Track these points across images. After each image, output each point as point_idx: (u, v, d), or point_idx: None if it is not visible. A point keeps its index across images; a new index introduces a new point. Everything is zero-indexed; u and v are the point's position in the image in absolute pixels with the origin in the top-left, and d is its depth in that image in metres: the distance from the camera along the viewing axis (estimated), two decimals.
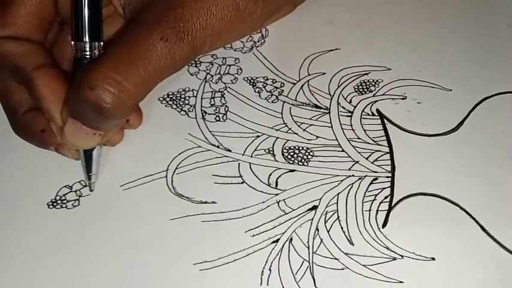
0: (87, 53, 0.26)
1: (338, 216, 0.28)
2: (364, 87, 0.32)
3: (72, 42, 0.26)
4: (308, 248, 0.27)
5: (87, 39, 0.26)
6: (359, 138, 0.30)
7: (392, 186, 0.28)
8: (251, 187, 0.29)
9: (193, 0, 0.25)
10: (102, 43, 0.26)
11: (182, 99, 0.32)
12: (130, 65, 0.24)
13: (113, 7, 0.28)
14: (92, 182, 0.28)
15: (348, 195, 0.28)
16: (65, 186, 0.29)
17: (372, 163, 0.29)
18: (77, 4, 0.26)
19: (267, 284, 0.26)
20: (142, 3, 0.26)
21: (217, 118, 0.31)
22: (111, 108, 0.23)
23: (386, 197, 0.28)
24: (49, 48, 0.28)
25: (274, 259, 0.26)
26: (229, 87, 0.32)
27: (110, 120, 0.25)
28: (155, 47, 0.24)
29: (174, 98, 0.32)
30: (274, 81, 0.32)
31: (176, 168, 0.29)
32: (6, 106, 0.28)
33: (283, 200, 0.28)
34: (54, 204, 0.28)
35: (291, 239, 0.27)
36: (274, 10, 0.30)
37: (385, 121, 0.31)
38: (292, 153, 0.30)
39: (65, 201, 0.28)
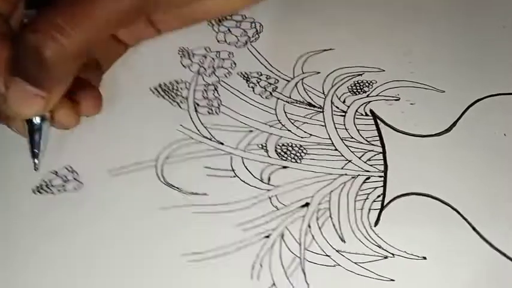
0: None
1: (330, 214, 0.27)
2: (358, 87, 0.32)
3: (24, 11, 0.25)
4: (300, 244, 0.26)
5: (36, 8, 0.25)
6: (352, 137, 0.30)
7: (384, 186, 0.28)
8: (243, 181, 0.28)
9: None
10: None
11: (174, 91, 0.31)
12: (75, 10, 0.23)
13: None
14: (36, 160, 0.26)
15: (340, 194, 0.28)
16: (51, 172, 0.28)
17: (365, 162, 0.29)
18: None
19: (258, 279, 0.25)
20: None
21: (210, 111, 0.30)
22: (53, 53, 0.23)
23: (378, 196, 0.28)
24: (9, 12, 0.26)
25: (265, 254, 0.26)
26: (222, 81, 0.32)
27: (52, 70, 0.23)
28: None
29: (166, 89, 0.31)
30: (268, 77, 0.32)
31: (166, 158, 0.28)
32: None
33: (276, 195, 0.28)
34: (39, 190, 0.27)
35: (283, 234, 0.26)
36: None
37: (378, 121, 0.31)
38: (285, 150, 0.29)
39: (50, 187, 0.27)
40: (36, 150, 0.26)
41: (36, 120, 0.25)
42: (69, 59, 0.24)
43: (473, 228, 0.27)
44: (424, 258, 0.26)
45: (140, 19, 0.27)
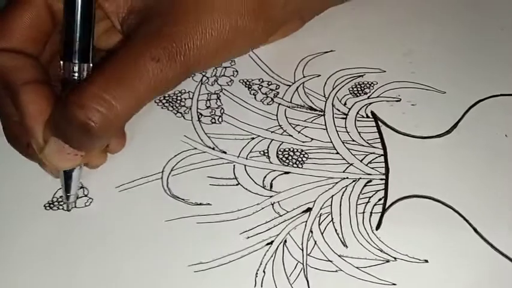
0: (76, 74, 0.25)
1: (332, 219, 0.27)
2: (359, 89, 0.32)
3: (61, 62, 0.25)
4: (302, 250, 0.27)
5: (76, 60, 0.25)
6: (353, 140, 0.30)
7: (386, 189, 0.28)
8: (246, 189, 0.29)
9: (188, 19, 0.24)
10: (91, 65, 0.25)
11: (178, 101, 0.32)
12: (120, 84, 0.23)
13: (111, 22, 0.27)
14: (69, 202, 0.28)
15: (342, 198, 0.28)
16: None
17: (366, 165, 0.29)
18: (68, 24, 0.25)
19: (261, 286, 0.26)
20: (139, 20, 0.25)
21: (213, 120, 0.31)
22: (98, 127, 0.23)
23: (380, 200, 0.28)
24: (49, 59, 0.27)
25: (268, 261, 0.26)
26: (224, 89, 0.32)
27: (95, 141, 0.24)
28: (146, 68, 0.23)
29: (170, 100, 0.32)
30: (269, 83, 0.32)
31: (172, 170, 0.29)
32: (1, 115, 0.27)
33: (278, 202, 0.28)
34: (51, 205, 0.28)
35: (285, 241, 0.27)
36: (277, 27, 0.29)
37: (380, 123, 0.30)
38: (287, 155, 0.30)
39: (61, 203, 0.28)
40: (69, 194, 0.27)
41: (73, 171, 0.27)
42: (114, 130, 0.24)
43: (475, 231, 0.27)
44: (426, 261, 0.26)
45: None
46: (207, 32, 0.25)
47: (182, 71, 0.24)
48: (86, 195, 0.29)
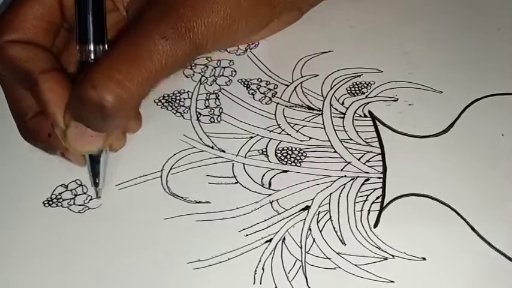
0: (92, 56, 0.25)
1: (330, 216, 0.27)
2: (357, 89, 0.31)
3: (77, 46, 0.25)
4: (301, 247, 0.26)
5: (91, 42, 0.25)
6: (351, 139, 0.29)
7: (384, 187, 0.28)
8: (245, 187, 0.28)
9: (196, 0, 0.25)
10: (106, 46, 0.26)
11: (177, 101, 0.31)
12: (132, 64, 0.23)
13: (115, 6, 0.27)
14: (99, 188, 0.27)
15: (340, 196, 0.28)
16: (61, 185, 0.28)
17: (364, 164, 0.29)
18: (80, 8, 0.25)
19: (260, 283, 0.25)
20: (145, 3, 0.25)
21: (212, 119, 0.30)
22: (113, 107, 0.23)
23: (378, 198, 0.27)
24: (58, 53, 0.27)
25: (267, 258, 0.26)
26: (223, 89, 0.31)
27: (112, 120, 0.24)
28: (156, 46, 0.23)
29: (169, 99, 0.31)
30: (268, 83, 0.32)
31: (171, 169, 0.29)
32: (14, 111, 0.27)
33: (277, 200, 0.28)
34: (50, 202, 0.28)
35: (284, 238, 0.26)
36: (277, 13, 0.29)
37: (377, 122, 0.30)
38: (285, 154, 0.29)
39: (60, 200, 0.28)
40: (97, 180, 0.27)
41: (99, 155, 0.27)
42: (129, 109, 0.24)
43: (472, 228, 0.26)
44: (424, 259, 0.26)
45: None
46: (213, 11, 0.25)
47: (191, 49, 0.25)
48: (85, 193, 0.28)
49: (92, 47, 0.25)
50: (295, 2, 0.30)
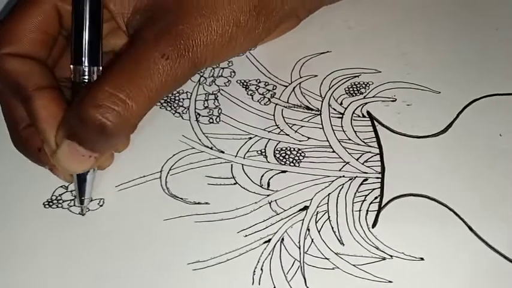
0: (86, 77, 0.25)
1: (329, 217, 0.27)
2: (355, 89, 0.31)
3: (71, 66, 0.25)
4: (299, 248, 0.26)
5: (86, 63, 0.25)
6: (349, 139, 0.29)
7: (382, 187, 0.28)
8: (244, 188, 0.28)
9: (194, 17, 0.24)
10: (101, 68, 0.25)
11: (176, 101, 0.31)
12: (134, 83, 0.23)
13: (116, 23, 0.27)
14: (84, 206, 0.27)
15: (338, 196, 0.27)
16: (61, 187, 0.28)
17: (362, 164, 0.28)
18: (77, 28, 0.25)
19: (259, 284, 0.25)
20: (145, 20, 0.25)
21: (211, 120, 0.30)
22: (115, 126, 0.23)
23: (376, 198, 0.27)
24: (54, 62, 0.27)
25: (266, 259, 0.26)
26: (222, 90, 0.31)
27: (112, 140, 0.24)
28: (157, 65, 0.23)
29: (168, 100, 0.31)
30: (266, 83, 0.31)
31: (170, 170, 0.28)
32: (8, 120, 0.27)
33: (275, 200, 0.27)
34: (50, 204, 0.28)
35: (283, 239, 0.26)
36: (276, 24, 0.29)
37: (375, 123, 0.30)
38: (284, 154, 0.29)
39: (60, 201, 0.28)
40: (83, 198, 0.27)
41: (87, 174, 0.26)
42: (129, 128, 0.24)
43: (470, 228, 0.26)
44: (422, 259, 0.25)
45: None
46: (212, 29, 0.25)
47: (190, 67, 0.24)
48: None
49: (86, 70, 0.25)
50: (293, 11, 0.30)
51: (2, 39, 0.25)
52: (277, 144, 0.29)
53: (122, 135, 0.24)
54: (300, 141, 0.29)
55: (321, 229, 0.26)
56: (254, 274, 0.25)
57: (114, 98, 0.22)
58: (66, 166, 0.25)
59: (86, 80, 0.25)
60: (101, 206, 0.28)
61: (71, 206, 0.28)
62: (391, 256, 0.26)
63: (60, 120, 0.24)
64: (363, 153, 0.29)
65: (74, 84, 0.25)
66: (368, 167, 0.28)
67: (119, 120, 0.23)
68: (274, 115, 0.30)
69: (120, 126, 0.23)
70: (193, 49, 0.24)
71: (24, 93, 0.24)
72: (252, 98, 0.31)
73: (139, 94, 0.23)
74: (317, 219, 0.27)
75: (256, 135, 0.30)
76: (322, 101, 0.31)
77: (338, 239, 0.26)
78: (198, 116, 0.30)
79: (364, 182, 0.28)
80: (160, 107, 0.31)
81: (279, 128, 0.30)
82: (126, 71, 0.23)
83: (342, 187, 0.28)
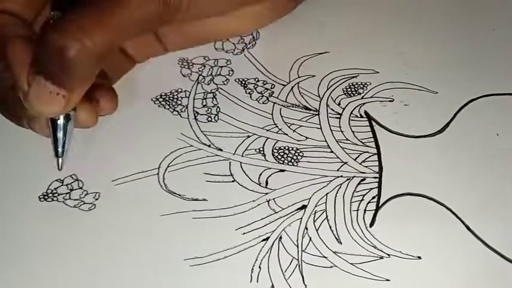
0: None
1: (327, 216, 0.27)
2: (353, 89, 0.31)
3: (51, 13, 0.24)
4: (297, 246, 0.26)
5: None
6: (347, 139, 0.29)
7: (379, 187, 0.27)
8: (242, 186, 0.28)
9: None
10: None
11: (175, 100, 0.31)
12: (99, 13, 0.22)
13: None
14: (60, 159, 0.25)
15: (336, 195, 0.27)
16: (57, 180, 0.28)
17: (360, 164, 0.28)
18: None
19: (257, 281, 0.25)
20: None
21: (209, 118, 0.30)
22: (75, 54, 0.22)
23: (373, 197, 0.27)
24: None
25: (264, 257, 0.25)
26: (220, 88, 0.31)
27: (73, 70, 0.23)
28: None
29: (166, 98, 0.31)
30: (265, 82, 0.31)
31: (168, 166, 0.28)
32: None
33: (273, 199, 0.27)
34: (46, 197, 0.27)
35: (281, 237, 0.26)
36: None
37: (373, 123, 0.30)
38: (282, 153, 0.29)
39: (56, 195, 0.27)
40: (59, 149, 0.25)
41: (60, 119, 0.25)
42: (91, 60, 0.23)
43: (468, 228, 0.26)
44: (419, 258, 0.25)
45: (158, 27, 0.26)
46: None
47: (163, 8, 0.24)
48: (81, 188, 0.27)
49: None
50: None
51: None
52: (275, 143, 0.29)
53: (83, 67, 0.23)
54: (298, 140, 0.29)
55: (319, 228, 0.26)
56: (252, 272, 0.25)
57: (76, 26, 0.22)
58: (36, 105, 0.24)
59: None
60: (96, 199, 0.27)
61: (67, 200, 0.27)
62: (389, 255, 0.25)
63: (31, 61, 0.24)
64: (361, 153, 0.29)
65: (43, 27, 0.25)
66: (366, 166, 0.28)
67: (78, 47, 0.22)
68: (272, 114, 0.30)
69: (79, 54, 0.22)
70: None
71: (2, 42, 0.24)
72: (250, 97, 0.31)
73: (106, 25, 0.22)
74: (315, 218, 0.27)
75: (254, 134, 0.29)
76: (320, 101, 0.31)
77: (336, 238, 0.26)
78: (196, 115, 0.30)
79: (361, 182, 0.28)
80: (158, 106, 0.30)
81: (277, 127, 0.30)
82: (94, 2, 0.23)
83: (340, 187, 0.28)
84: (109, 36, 0.23)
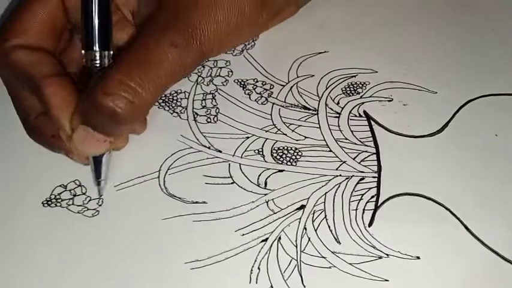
0: (97, 61, 0.25)
1: (325, 216, 0.27)
2: (352, 89, 0.31)
3: (83, 52, 0.25)
4: (296, 246, 0.26)
5: (97, 48, 0.25)
6: (346, 139, 0.29)
7: (378, 186, 0.27)
8: (241, 187, 0.28)
9: (201, 7, 0.25)
10: (111, 52, 0.26)
11: (174, 101, 0.31)
12: (144, 71, 0.23)
13: (121, 13, 0.27)
14: (101, 187, 0.27)
15: (335, 195, 0.27)
16: (60, 186, 0.28)
17: (359, 163, 0.28)
18: (87, 14, 0.25)
19: (256, 283, 0.25)
20: (151, 9, 0.26)
21: (209, 120, 0.30)
22: (126, 113, 0.23)
23: (372, 197, 0.27)
24: (59, 54, 0.27)
25: (263, 258, 0.26)
26: (220, 89, 0.31)
27: (123, 126, 0.24)
28: (166, 53, 0.24)
29: (166, 100, 0.31)
30: (264, 83, 0.31)
31: (168, 169, 0.28)
32: (19, 110, 0.27)
33: (272, 199, 0.27)
34: (49, 203, 0.27)
35: (280, 238, 0.26)
36: (276, 13, 0.30)
37: (372, 122, 0.30)
38: (281, 154, 0.29)
39: (59, 200, 0.27)
40: (102, 181, 0.27)
41: (103, 156, 0.26)
42: (140, 115, 0.25)
43: (466, 228, 0.26)
44: (418, 257, 0.25)
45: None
46: (218, 18, 0.25)
47: (198, 55, 0.25)
48: (84, 194, 0.28)
49: (97, 54, 0.25)
50: None
51: (10, 33, 0.25)
52: (274, 143, 0.29)
53: (132, 121, 0.25)
54: (297, 140, 0.29)
55: (317, 228, 0.26)
56: (251, 273, 0.25)
57: (124, 86, 0.23)
58: (82, 150, 0.25)
59: (97, 65, 0.25)
60: (100, 205, 0.27)
61: (70, 205, 0.27)
62: (388, 255, 0.25)
63: (74, 106, 0.25)
64: (360, 153, 0.29)
65: (85, 70, 0.25)
66: (364, 166, 0.28)
67: (129, 107, 0.23)
68: (271, 114, 0.30)
69: (131, 112, 0.23)
70: (201, 38, 0.25)
71: (35, 83, 0.25)
72: (250, 98, 0.31)
73: (149, 82, 0.23)
74: (314, 218, 0.27)
75: (253, 135, 0.29)
76: (319, 101, 0.30)
77: (335, 238, 0.26)
78: (196, 116, 0.30)
79: (360, 181, 0.28)
80: (158, 107, 0.30)
81: (276, 127, 0.30)
82: (136, 59, 0.24)
83: (339, 186, 0.28)
84: (154, 92, 0.24)
